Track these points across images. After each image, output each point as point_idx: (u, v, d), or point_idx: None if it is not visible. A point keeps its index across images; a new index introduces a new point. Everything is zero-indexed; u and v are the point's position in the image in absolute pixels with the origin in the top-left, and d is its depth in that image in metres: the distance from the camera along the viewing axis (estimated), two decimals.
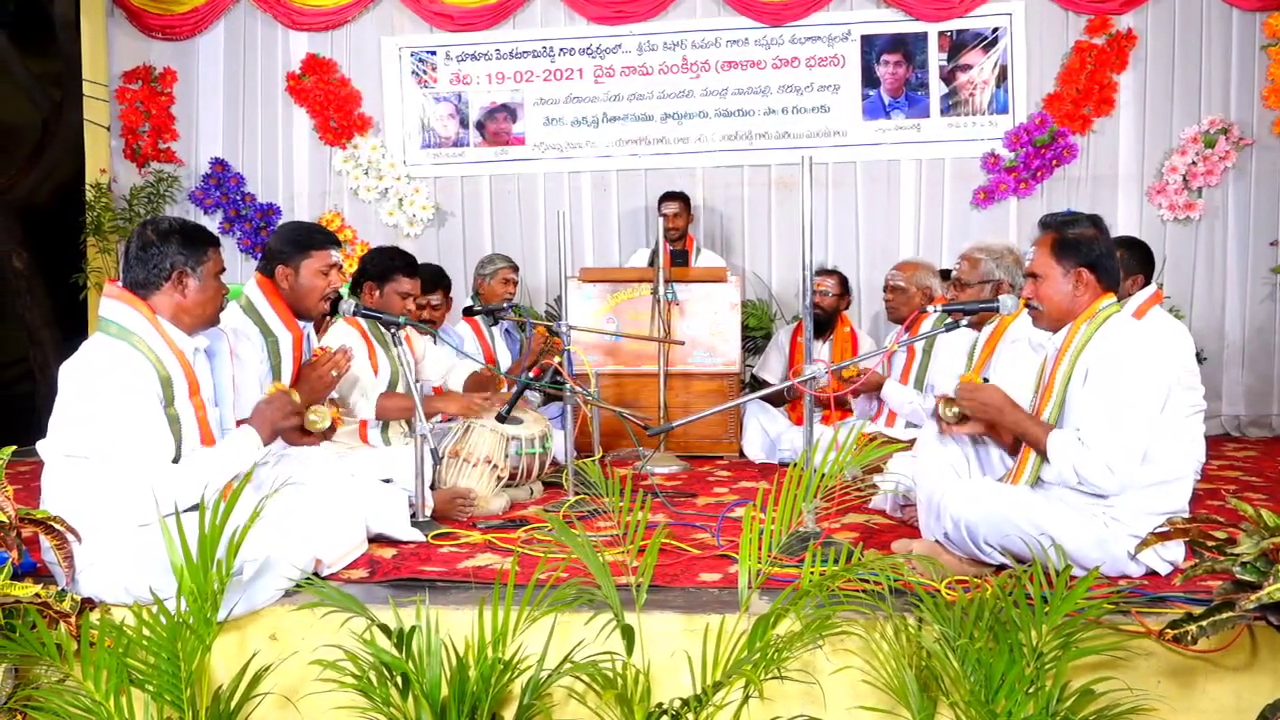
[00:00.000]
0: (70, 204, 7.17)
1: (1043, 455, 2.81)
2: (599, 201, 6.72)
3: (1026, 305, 2.97)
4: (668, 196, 6.16)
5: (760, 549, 2.42)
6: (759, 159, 6.57)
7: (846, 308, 5.48)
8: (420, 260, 4.62)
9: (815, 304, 5.18)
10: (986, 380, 3.15)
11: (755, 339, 6.24)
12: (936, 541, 2.91)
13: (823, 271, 5.41)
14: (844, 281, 5.42)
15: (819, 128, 6.51)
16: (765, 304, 6.45)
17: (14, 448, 2.51)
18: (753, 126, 6.57)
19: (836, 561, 2.36)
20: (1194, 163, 6.15)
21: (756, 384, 5.69)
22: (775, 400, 5.23)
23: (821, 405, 4.72)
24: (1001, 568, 2.73)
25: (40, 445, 2.74)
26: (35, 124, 8.05)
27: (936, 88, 6.42)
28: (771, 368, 5.54)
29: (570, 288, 5.14)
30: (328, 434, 3.15)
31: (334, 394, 3.63)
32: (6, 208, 7.67)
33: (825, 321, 5.29)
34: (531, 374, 4.21)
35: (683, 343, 5.13)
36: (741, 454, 5.15)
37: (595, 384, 4.73)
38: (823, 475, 2.55)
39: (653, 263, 5.39)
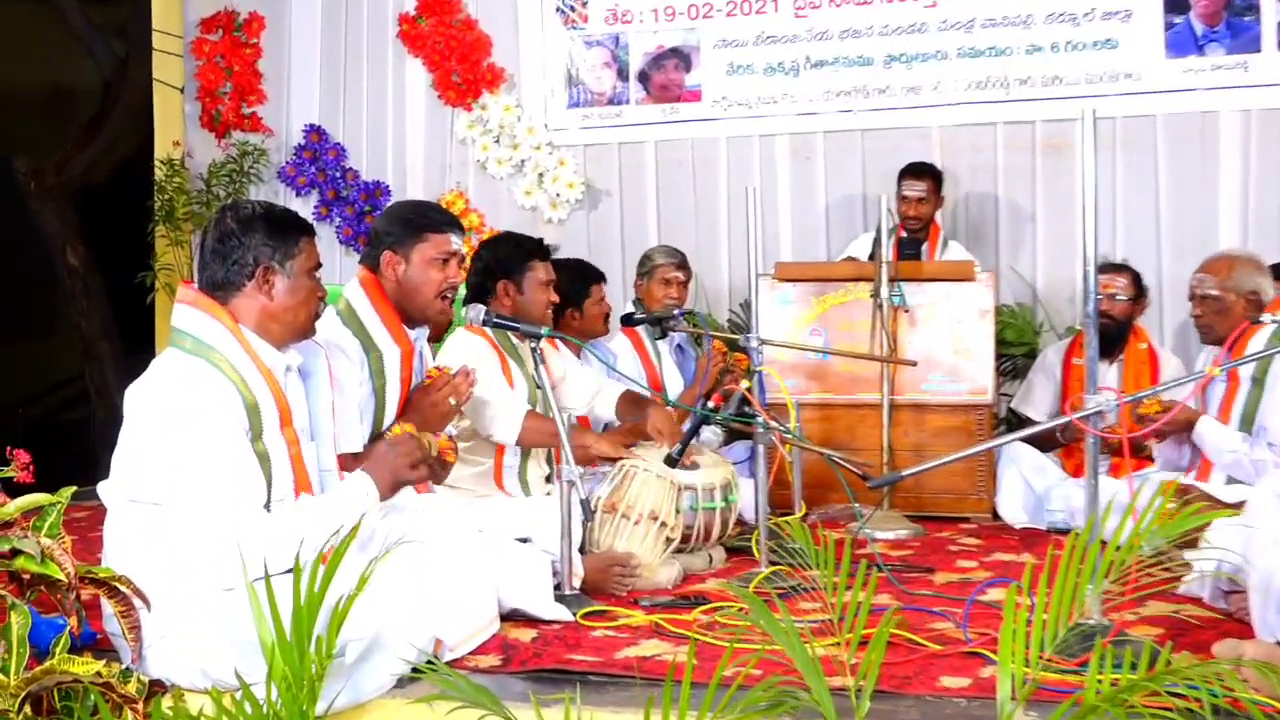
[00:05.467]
0: (136, 184, 7.55)
1: None
2: (800, 174, 6.71)
3: None
4: (913, 171, 6.08)
5: (1026, 646, 2.36)
6: (1019, 113, 6.44)
7: (1141, 315, 5.30)
8: (566, 254, 4.74)
9: (1100, 311, 5.01)
10: None
11: (1014, 358, 6.11)
12: (1278, 643, 2.78)
13: (1110, 267, 5.25)
14: (1138, 280, 5.26)
15: (1103, 69, 6.34)
16: (1028, 310, 6.30)
17: (74, 489, 2.66)
18: (1010, 70, 6.44)
19: (1134, 667, 2.28)
20: None
21: (1016, 420, 5.57)
22: (1043, 443, 5.11)
23: (1110, 451, 4.57)
24: None
25: (101, 487, 2.90)
26: (95, 86, 8.53)
27: (1271, 11, 6.16)
28: (1036, 398, 5.42)
29: (762, 289, 5.14)
30: (439, 471, 3.24)
31: (452, 427, 3.74)
32: (60, 190, 8.10)
33: (1114, 335, 5.13)
34: (710, 403, 4.23)
35: (915, 363, 5.06)
36: (995, 515, 5.07)
37: (796, 417, 4.71)
38: (1115, 548, 2.48)
39: (874, 255, 5.33)
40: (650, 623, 3.38)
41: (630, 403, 4.56)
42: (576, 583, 3.59)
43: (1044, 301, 6.36)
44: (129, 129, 8.16)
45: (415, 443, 3.11)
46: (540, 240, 4.42)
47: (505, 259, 4.26)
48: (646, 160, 6.93)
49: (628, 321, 5.19)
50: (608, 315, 5.20)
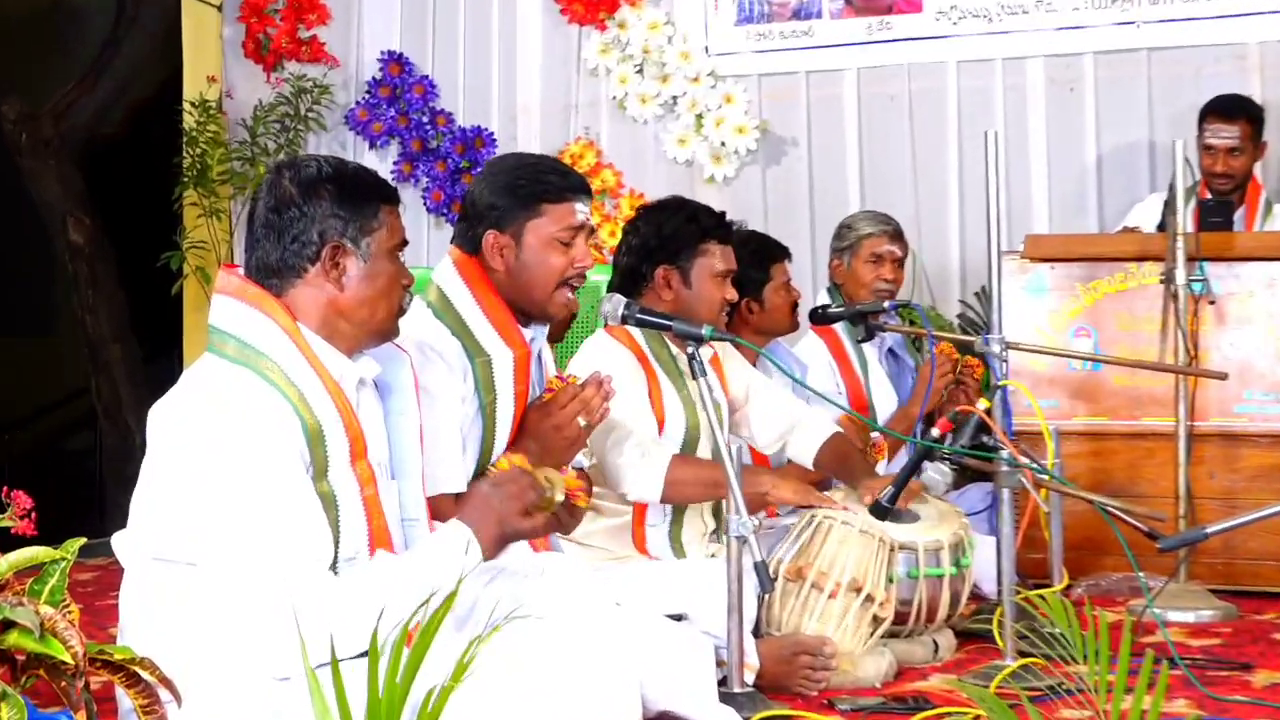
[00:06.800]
0: (159, 135, 7.75)
1: None
2: (1060, 112, 6.69)
3: None
4: (1221, 109, 6.00)
5: None
6: None
7: None
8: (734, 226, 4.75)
9: None
10: None
11: None
12: None
13: None
14: None
15: None
16: None
17: (82, 541, 2.72)
18: None
19: None
20: None
21: None
22: None
23: None
24: None
25: (116, 540, 2.96)
26: (107, 4, 8.76)
27: None
28: None
29: (1007, 272, 5.11)
30: (565, 519, 3.26)
31: (584, 457, 3.76)
32: (60, 143, 8.24)
33: None
34: (935, 430, 4.21)
35: (1225, 376, 4.99)
36: None
37: (1055, 451, 4.66)
38: None
39: (1165, 225, 5.26)
40: None
41: (840, 458, 4.45)
42: (750, 676, 3.60)
43: None
44: (150, 61, 8.29)
45: (528, 480, 3.09)
46: (721, 214, 4.40)
47: (671, 236, 4.26)
48: (846, 95, 6.95)
49: (820, 318, 5.16)
50: (796, 304, 5.20)
